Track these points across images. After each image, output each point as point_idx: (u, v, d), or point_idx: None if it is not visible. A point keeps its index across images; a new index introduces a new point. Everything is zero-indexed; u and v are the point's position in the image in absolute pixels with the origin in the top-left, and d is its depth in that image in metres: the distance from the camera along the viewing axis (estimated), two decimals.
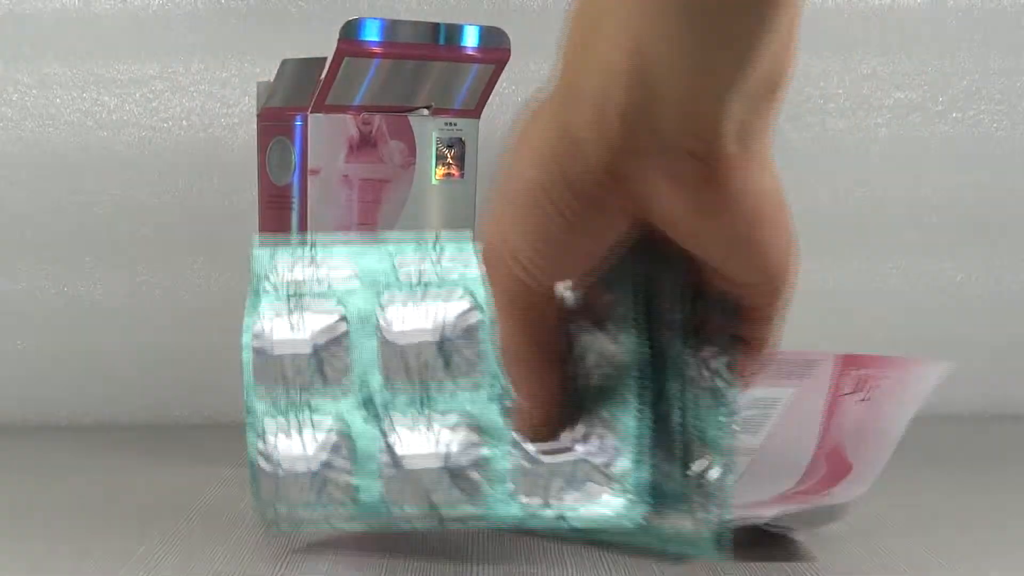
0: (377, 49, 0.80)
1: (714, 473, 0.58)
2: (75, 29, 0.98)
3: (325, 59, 0.80)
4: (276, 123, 0.82)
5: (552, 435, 0.62)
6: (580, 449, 0.61)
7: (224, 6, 0.99)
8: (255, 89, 0.94)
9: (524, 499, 0.61)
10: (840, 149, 1.02)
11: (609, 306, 0.61)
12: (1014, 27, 1.02)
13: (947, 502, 0.76)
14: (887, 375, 0.68)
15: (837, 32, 1.02)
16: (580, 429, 0.61)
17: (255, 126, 0.84)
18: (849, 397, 0.69)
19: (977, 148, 1.02)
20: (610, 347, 0.61)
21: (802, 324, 1.01)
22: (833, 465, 0.69)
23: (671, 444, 0.60)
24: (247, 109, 0.98)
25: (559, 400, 0.62)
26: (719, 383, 0.59)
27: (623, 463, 0.60)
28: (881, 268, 1.02)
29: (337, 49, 0.79)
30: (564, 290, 0.60)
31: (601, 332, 0.61)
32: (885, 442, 0.68)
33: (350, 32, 0.79)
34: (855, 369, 0.71)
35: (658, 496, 0.60)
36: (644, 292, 0.60)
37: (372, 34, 0.80)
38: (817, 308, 1.02)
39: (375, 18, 0.80)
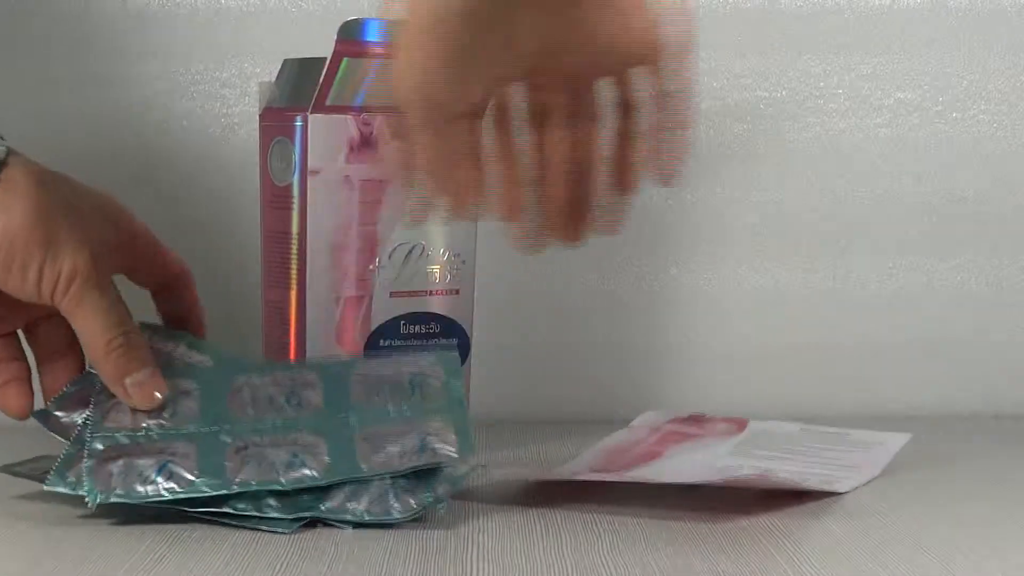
0: (377, 49, 0.80)
1: None
2: (75, 29, 0.98)
3: (325, 59, 0.80)
4: (277, 123, 0.82)
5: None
6: None
7: (224, 6, 0.99)
8: (255, 89, 0.94)
9: None
10: (840, 149, 1.02)
11: None
12: (1014, 27, 1.02)
13: (946, 501, 0.76)
14: None
15: (837, 32, 1.02)
16: None
17: (255, 126, 0.84)
18: None
19: (977, 148, 1.02)
20: None
21: (803, 324, 1.02)
22: None
23: None
24: (247, 109, 0.98)
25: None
26: None
27: None
28: (881, 268, 1.02)
29: (337, 49, 0.79)
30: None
31: None
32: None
33: (350, 32, 0.79)
34: None
35: None
36: None
37: (372, 34, 0.80)
38: (818, 308, 1.02)
39: (375, 18, 0.80)
